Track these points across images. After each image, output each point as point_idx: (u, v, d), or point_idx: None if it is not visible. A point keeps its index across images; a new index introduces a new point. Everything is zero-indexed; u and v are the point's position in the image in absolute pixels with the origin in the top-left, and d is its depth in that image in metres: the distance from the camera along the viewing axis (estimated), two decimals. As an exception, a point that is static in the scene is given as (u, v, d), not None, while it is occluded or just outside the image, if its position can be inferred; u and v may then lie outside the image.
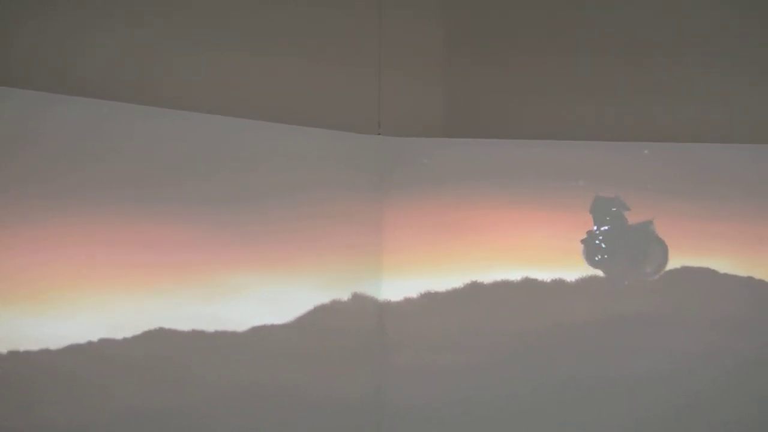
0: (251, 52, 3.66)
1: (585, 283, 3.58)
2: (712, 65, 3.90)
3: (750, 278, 3.56)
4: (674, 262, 3.59)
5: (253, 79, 3.65)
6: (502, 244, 3.60)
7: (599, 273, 3.59)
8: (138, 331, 2.87)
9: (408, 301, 3.55)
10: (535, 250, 3.59)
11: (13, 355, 2.67)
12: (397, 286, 3.55)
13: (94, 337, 2.79)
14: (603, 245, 3.60)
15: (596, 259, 3.59)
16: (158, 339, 2.91)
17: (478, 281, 3.57)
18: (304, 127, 3.42)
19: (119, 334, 2.83)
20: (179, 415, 2.98)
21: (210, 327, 3.05)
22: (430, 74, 4.27)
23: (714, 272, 3.57)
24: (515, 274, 3.58)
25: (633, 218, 3.61)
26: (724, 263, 3.56)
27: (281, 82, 3.72)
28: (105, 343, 2.80)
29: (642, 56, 3.99)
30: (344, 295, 3.45)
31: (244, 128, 3.25)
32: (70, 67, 3.17)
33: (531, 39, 4.18)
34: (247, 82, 3.63)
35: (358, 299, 3.48)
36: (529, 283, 3.57)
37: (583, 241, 3.60)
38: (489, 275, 3.57)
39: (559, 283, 3.58)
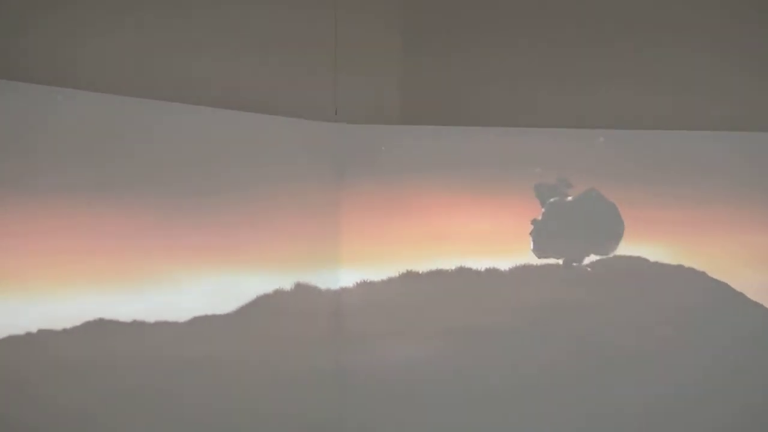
0: (202, 37, 3.61)
1: (548, 269, 3.60)
2: (667, 51, 3.91)
3: (692, 267, 3.60)
4: (621, 250, 3.61)
5: (205, 64, 3.60)
6: (460, 232, 3.60)
7: (559, 259, 3.60)
8: (78, 322, 2.84)
9: (365, 288, 3.54)
10: (495, 237, 3.60)
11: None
12: (354, 273, 3.54)
13: (33, 329, 2.75)
14: (549, 231, 3.61)
15: (543, 245, 3.59)
16: (98, 331, 2.87)
17: (438, 269, 3.57)
18: (259, 114, 3.39)
19: (59, 326, 2.80)
20: (120, 407, 2.96)
21: (150, 318, 3.02)
22: (388, 60, 4.23)
23: (657, 261, 3.60)
24: (474, 262, 3.58)
25: (580, 203, 3.63)
26: (670, 251, 3.59)
27: (235, 68, 3.67)
28: (43, 335, 2.77)
29: (597, 43, 3.99)
30: (300, 283, 3.43)
31: (195, 115, 3.21)
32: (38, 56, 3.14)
33: (490, 25, 4.15)
34: (197, 68, 3.57)
35: (314, 287, 3.46)
36: (489, 271, 3.58)
37: (531, 232, 3.60)
38: (448, 263, 3.57)
39: (519, 269, 3.59)
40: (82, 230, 2.87)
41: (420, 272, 3.56)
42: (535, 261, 3.60)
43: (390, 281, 3.55)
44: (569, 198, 3.62)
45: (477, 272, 3.57)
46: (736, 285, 3.59)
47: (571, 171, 3.62)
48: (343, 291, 3.51)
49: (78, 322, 2.83)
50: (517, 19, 4.12)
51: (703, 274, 3.59)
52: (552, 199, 3.61)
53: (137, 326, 2.97)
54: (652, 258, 3.60)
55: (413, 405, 3.54)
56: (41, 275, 2.77)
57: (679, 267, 3.59)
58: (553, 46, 4.04)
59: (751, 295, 3.58)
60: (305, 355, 3.43)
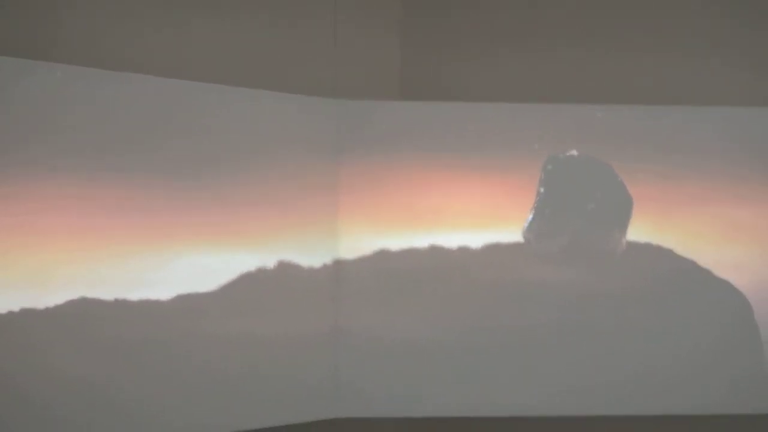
0: (201, 12, 3.59)
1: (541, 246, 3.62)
2: (663, 28, 3.93)
3: (659, 245, 3.61)
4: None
5: (204, 40, 3.59)
6: (460, 209, 3.58)
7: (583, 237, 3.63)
8: (60, 301, 2.84)
9: (363, 264, 3.53)
10: (494, 213, 3.60)
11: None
12: (353, 249, 3.53)
13: (15, 307, 2.77)
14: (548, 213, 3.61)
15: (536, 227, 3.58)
16: (82, 307, 2.88)
17: (435, 244, 3.56)
18: (257, 90, 3.37)
19: (41, 304, 2.81)
20: (103, 387, 2.97)
21: (133, 296, 3.03)
22: (387, 35, 4.20)
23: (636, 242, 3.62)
24: (473, 240, 3.57)
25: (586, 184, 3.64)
26: (641, 227, 3.61)
27: (233, 44, 3.66)
28: (26, 314, 2.78)
29: (597, 18, 3.98)
30: (298, 260, 3.41)
31: (192, 91, 3.19)
32: (18, 30, 3.12)
33: (490, 1, 4.11)
34: (196, 44, 3.57)
35: (313, 263, 3.45)
36: (486, 247, 3.57)
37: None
38: (445, 238, 3.56)
39: (514, 246, 3.58)
40: (64, 208, 2.88)
41: (417, 247, 3.55)
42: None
43: (387, 255, 3.54)
44: (559, 174, 3.61)
45: (474, 248, 3.57)
46: (707, 260, 3.61)
47: (569, 147, 3.60)
48: (341, 265, 3.50)
49: (61, 301, 2.84)
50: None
51: (670, 251, 3.61)
52: (546, 176, 3.58)
53: (120, 304, 2.99)
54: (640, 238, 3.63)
55: (408, 372, 3.56)
56: (17, 253, 2.78)
57: (647, 244, 3.61)
58: (549, 24, 4.02)
59: (721, 269, 3.61)
60: (303, 328, 3.43)
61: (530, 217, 3.59)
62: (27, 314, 2.78)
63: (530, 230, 3.58)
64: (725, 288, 3.62)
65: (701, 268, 3.61)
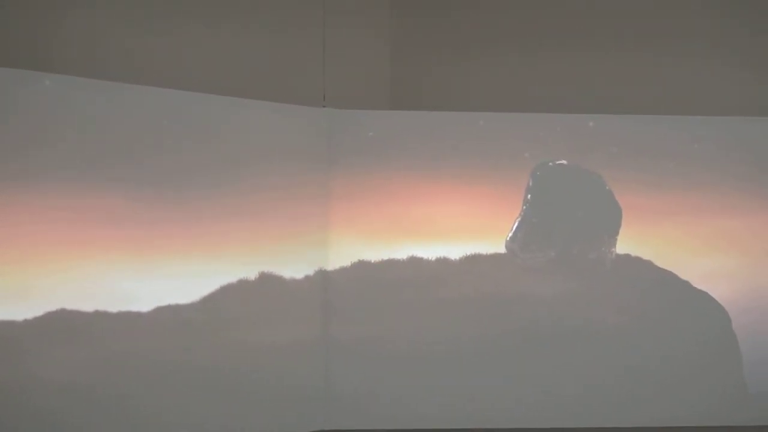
0: (194, 24, 3.60)
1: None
2: (656, 38, 3.97)
3: (638, 256, 3.64)
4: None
5: (196, 51, 3.60)
6: (445, 219, 3.60)
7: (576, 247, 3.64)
8: (39, 312, 2.83)
9: (352, 270, 3.56)
10: (482, 224, 3.62)
11: None
12: (342, 256, 3.55)
13: (-1, 317, 2.77)
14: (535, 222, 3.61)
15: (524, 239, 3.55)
16: (61, 319, 2.88)
17: (418, 254, 3.58)
18: (248, 100, 3.37)
19: (19, 316, 2.80)
20: (85, 395, 2.97)
21: (124, 307, 3.04)
22: (377, 46, 4.20)
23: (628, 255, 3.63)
24: (468, 249, 3.60)
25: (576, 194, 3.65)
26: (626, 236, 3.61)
27: (225, 55, 3.66)
28: (4, 327, 2.77)
29: (589, 28, 4.01)
30: (288, 267, 3.44)
31: (181, 101, 3.18)
32: (17, 40, 3.14)
33: (479, 10, 4.13)
34: (189, 55, 3.57)
35: (303, 269, 3.48)
36: (469, 257, 3.60)
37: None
38: (431, 250, 3.59)
39: (493, 257, 3.61)
40: (48, 219, 2.86)
41: (408, 257, 3.57)
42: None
43: (375, 263, 3.57)
44: (548, 182, 3.62)
45: (470, 258, 3.59)
46: (694, 270, 3.63)
47: (559, 156, 3.62)
48: (330, 272, 3.53)
49: (40, 312, 2.83)
50: (506, 6, 4.10)
51: (649, 263, 3.63)
52: (535, 184, 3.56)
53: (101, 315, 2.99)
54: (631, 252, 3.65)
55: (399, 383, 3.59)
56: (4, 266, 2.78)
57: (635, 254, 3.63)
58: (540, 33, 4.04)
59: (710, 279, 3.63)
60: (295, 331, 3.46)
61: (515, 226, 3.58)
62: (4, 327, 2.76)
63: (514, 240, 3.58)
64: (710, 300, 3.62)
65: (688, 278, 3.62)
